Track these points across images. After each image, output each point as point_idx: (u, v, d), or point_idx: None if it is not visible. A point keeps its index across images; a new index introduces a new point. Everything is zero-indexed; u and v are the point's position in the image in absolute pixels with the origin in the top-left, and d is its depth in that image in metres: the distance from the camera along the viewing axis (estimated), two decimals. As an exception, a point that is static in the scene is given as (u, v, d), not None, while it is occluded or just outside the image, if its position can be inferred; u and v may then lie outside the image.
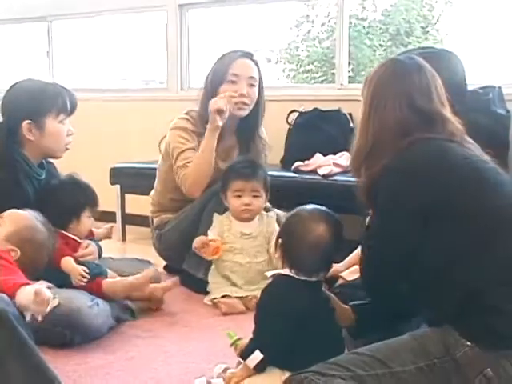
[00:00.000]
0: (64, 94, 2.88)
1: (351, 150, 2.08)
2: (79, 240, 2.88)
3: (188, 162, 3.35)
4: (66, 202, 2.83)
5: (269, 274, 2.06)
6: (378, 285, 1.94)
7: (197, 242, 3.07)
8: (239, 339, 2.06)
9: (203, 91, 3.49)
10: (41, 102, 2.81)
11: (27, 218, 2.27)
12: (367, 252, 1.98)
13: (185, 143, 3.40)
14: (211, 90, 3.42)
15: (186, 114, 3.49)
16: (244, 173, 3.14)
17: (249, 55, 3.49)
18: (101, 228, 3.13)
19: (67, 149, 2.94)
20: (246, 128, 3.53)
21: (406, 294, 1.88)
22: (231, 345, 2.10)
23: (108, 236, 3.17)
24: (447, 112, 1.96)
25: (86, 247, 2.90)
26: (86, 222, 2.90)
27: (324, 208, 2.08)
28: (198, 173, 3.33)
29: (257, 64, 3.51)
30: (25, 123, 2.77)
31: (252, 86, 3.44)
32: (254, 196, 3.12)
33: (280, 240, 2.05)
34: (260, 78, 3.49)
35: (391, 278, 1.89)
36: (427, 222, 1.77)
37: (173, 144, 3.43)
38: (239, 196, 3.12)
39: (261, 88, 3.50)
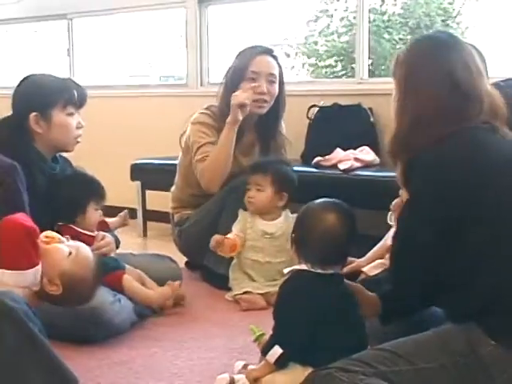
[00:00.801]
0: (71, 87, 2.88)
1: (391, 134, 1.95)
2: (93, 234, 2.89)
3: (206, 156, 3.36)
4: (70, 195, 2.84)
5: (286, 270, 2.05)
6: (407, 276, 1.89)
7: (212, 240, 3.07)
8: (262, 334, 2.06)
9: (223, 87, 3.49)
10: (47, 94, 2.82)
11: (90, 269, 2.21)
12: (399, 238, 1.92)
13: (204, 137, 3.40)
14: (231, 87, 3.42)
15: (207, 108, 3.50)
16: (253, 166, 3.19)
17: (269, 51, 3.49)
18: (114, 218, 3.13)
19: (78, 142, 2.93)
20: (265, 124, 3.53)
21: (431, 288, 1.85)
22: (254, 340, 2.11)
23: (124, 223, 3.16)
24: (486, 84, 1.87)
25: (102, 239, 2.90)
26: (93, 214, 2.90)
27: (335, 199, 2.05)
28: (215, 167, 3.33)
29: (277, 60, 3.51)
30: (32, 115, 2.79)
31: (272, 82, 3.43)
32: (258, 190, 3.12)
33: (293, 235, 2.05)
34: (280, 74, 3.49)
35: (420, 270, 1.85)
36: (457, 222, 1.73)
37: (192, 138, 3.44)
38: (248, 189, 3.15)
39: (281, 84, 3.49)
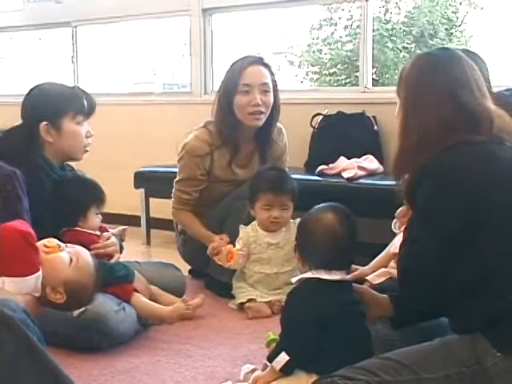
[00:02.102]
0: (81, 96, 2.90)
1: (394, 152, 1.96)
2: (98, 233, 2.89)
3: (184, 201, 3.45)
4: (71, 199, 2.84)
5: (294, 279, 2.06)
6: (416, 293, 1.87)
7: (210, 248, 3.09)
8: (275, 339, 2.08)
9: (217, 103, 3.42)
10: (58, 103, 2.84)
11: (91, 274, 2.22)
12: (407, 255, 1.90)
13: (188, 172, 3.42)
14: (225, 102, 3.35)
15: (204, 127, 3.44)
16: (273, 186, 3.08)
17: (259, 61, 3.40)
18: (114, 230, 3.13)
19: (86, 151, 2.95)
20: (263, 134, 3.48)
21: (441, 299, 1.84)
22: (266, 344, 2.15)
23: (121, 239, 3.16)
24: (491, 105, 1.87)
25: (108, 239, 2.91)
26: (94, 218, 2.90)
27: (335, 203, 2.08)
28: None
29: (268, 67, 3.41)
30: (42, 124, 2.80)
31: (266, 92, 3.34)
32: (283, 209, 3.09)
33: (296, 241, 2.08)
34: (273, 81, 3.40)
35: (429, 285, 1.83)
36: (466, 230, 1.73)
37: (180, 164, 3.47)
38: (268, 209, 3.08)
39: (275, 90, 3.41)
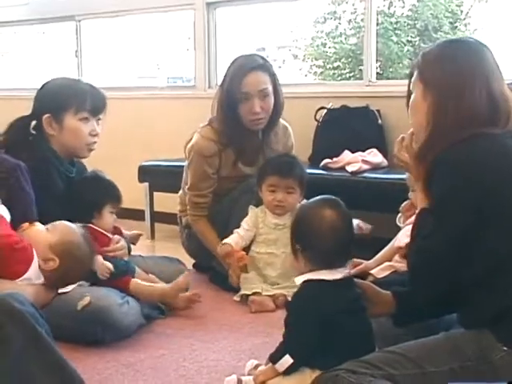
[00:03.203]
0: (87, 93, 2.90)
1: (422, 141, 1.90)
2: (110, 235, 2.91)
3: (201, 208, 3.41)
4: (87, 196, 2.87)
5: (297, 280, 2.03)
6: (427, 288, 1.85)
7: (221, 251, 3.11)
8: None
9: (219, 108, 3.39)
10: (61, 97, 2.86)
11: (75, 233, 2.27)
12: (419, 251, 1.87)
13: (200, 172, 3.39)
14: (228, 110, 3.34)
15: (208, 124, 3.43)
16: (280, 169, 3.14)
17: (257, 67, 3.34)
18: (129, 232, 3.14)
19: (91, 149, 2.94)
20: (267, 130, 3.47)
21: (451, 295, 1.83)
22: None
23: (133, 242, 3.17)
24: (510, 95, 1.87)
25: (117, 243, 2.92)
26: (109, 217, 2.93)
27: (325, 196, 2.07)
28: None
29: (267, 69, 3.37)
30: (45, 117, 2.83)
31: (265, 96, 3.32)
32: (288, 192, 3.12)
33: (293, 239, 2.05)
34: (273, 80, 3.36)
35: (440, 280, 1.81)
36: (477, 224, 1.72)
37: (191, 167, 3.44)
38: (273, 191, 3.13)
39: (276, 88, 3.37)
